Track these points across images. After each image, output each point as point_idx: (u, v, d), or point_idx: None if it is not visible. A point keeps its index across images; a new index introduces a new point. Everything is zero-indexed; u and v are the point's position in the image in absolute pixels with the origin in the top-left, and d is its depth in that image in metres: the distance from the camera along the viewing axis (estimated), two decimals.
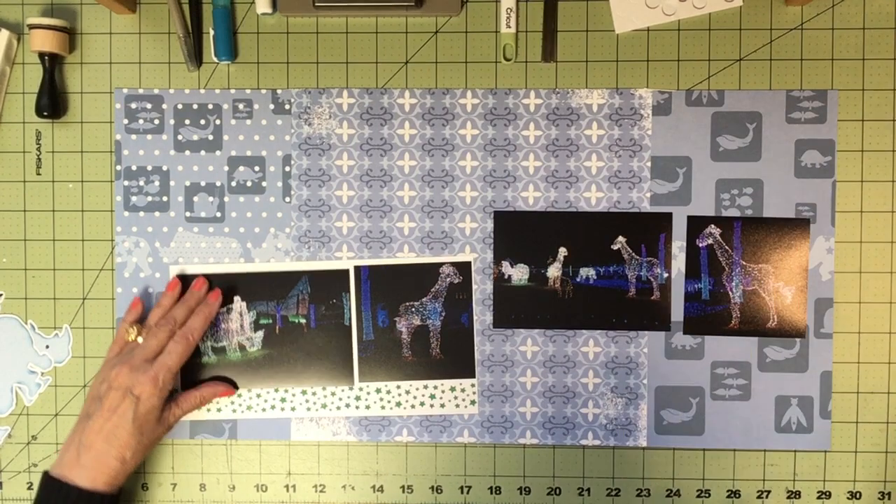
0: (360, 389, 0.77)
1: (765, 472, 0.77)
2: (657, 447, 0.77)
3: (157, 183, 0.77)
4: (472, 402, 0.77)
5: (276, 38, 0.77)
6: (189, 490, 0.78)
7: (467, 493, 0.77)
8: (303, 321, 0.77)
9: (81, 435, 0.68)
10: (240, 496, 0.78)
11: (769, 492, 0.77)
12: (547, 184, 0.77)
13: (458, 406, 0.77)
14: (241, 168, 0.77)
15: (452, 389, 0.77)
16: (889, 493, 0.77)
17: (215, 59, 0.76)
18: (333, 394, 0.77)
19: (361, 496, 0.77)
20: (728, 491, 0.77)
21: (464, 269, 0.77)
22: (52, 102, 0.75)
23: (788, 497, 0.77)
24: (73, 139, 0.77)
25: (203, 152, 0.77)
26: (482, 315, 0.77)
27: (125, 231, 0.77)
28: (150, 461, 0.78)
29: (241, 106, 0.77)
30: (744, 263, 0.76)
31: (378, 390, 0.77)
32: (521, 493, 0.77)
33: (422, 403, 0.77)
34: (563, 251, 0.76)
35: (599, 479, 0.77)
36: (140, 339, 0.72)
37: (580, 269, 0.77)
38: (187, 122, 0.77)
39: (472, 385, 0.77)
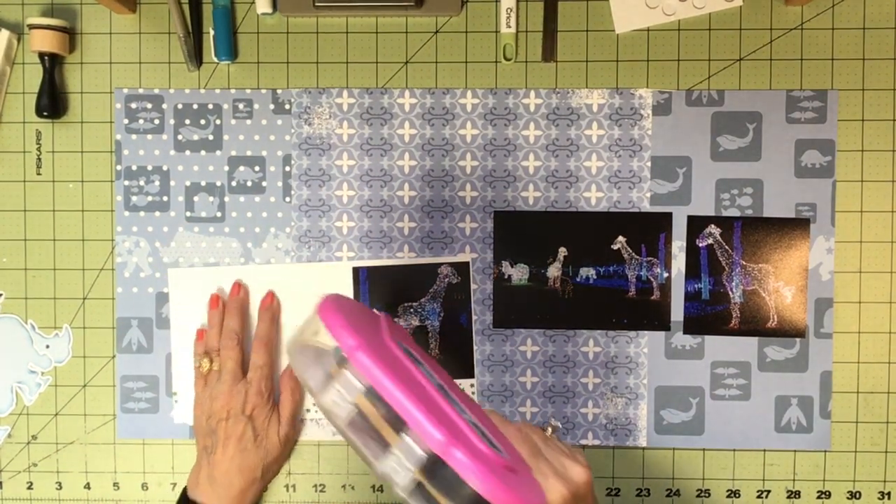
0: None
1: (765, 471, 0.77)
2: (657, 447, 0.77)
3: (157, 183, 0.77)
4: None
5: (277, 38, 0.77)
6: None
7: None
8: None
9: (210, 469, 0.70)
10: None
11: (769, 492, 0.77)
12: (547, 184, 0.77)
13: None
14: (242, 168, 0.77)
15: None
16: (889, 493, 0.77)
17: (215, 59, 0.76)
18: None
19: (361, 496, 0.78)
20: (728, 491, 0.77)
21: (462, 269, 0.77)
22: (53, 102, 0.76)
23: (788, 497, 0.77)
24: (73, 139, 0.77)
25: (203, 152, 0.77)
26: (482, 315, 0.77)
27: (125, 231, 0.77)
28: (151, 461, 0.78)
29: (241, 106, 0.77)
30: (744, 263, 0.76)
31: None
32: None
33: None
34: (563, 251, 0.76)
35: (599, 479, 0.77)
36: (216, 367, 0.72)
37: (580, 269, 0.77)
38: (187, 121, 0.77)
39: (472, 385, 0.77)
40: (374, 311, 0.60)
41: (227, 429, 0.70)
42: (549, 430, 0.60)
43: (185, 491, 0.71)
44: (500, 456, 0.47)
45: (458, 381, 0.77)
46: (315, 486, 0.78)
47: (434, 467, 0.44)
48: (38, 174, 0.78)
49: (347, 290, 0.77)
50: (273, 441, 0.72)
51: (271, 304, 0.75)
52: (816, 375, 0.76)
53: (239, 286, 0.76)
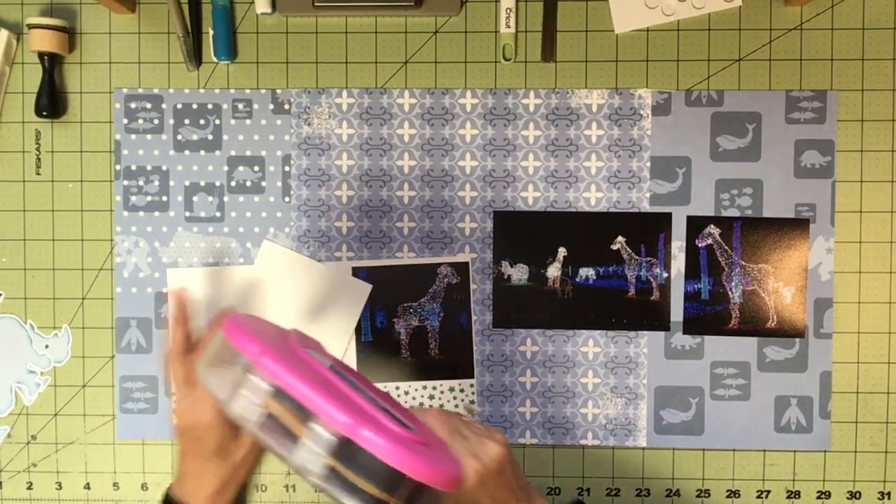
0: None
1: (764, 471, 0.77)
2: (657, 447, 0.77)
3: (156, 183, 0.77)
4: (472, 402, 0.77)
5: (276, 38, 0.77)
6: None
7: None
8: None
9: (186, 468, 0.67)
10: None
11: (769, 492, 0.77)
12: (546, 184, 0.76)
13: (456, 406, 0.77)
14: (241, 168, 0.77)
15: (451, 390, 0.77)
16: (889, 493, 0.77)
17: (215, 59, 0.76)
18: None
19: None
20: (728, 491, 0.77)
21: (462, 269, 0.77)
22: (52, 102, 0.75)
23: (788, 497, 0.77)
24: (72, 139, 0.77)
25: (202, 152, 0.77)
26: (482, 315, 0.77)
27: (124, 231, 0.77)
28: (150, 461, 0.78)
29: (240, 106, 0.77)
30: (743, 263, 0.76)
31: None
32: None
33: (421, 404, 0.77)
34: (562, 251, 0.76)
35: (599, 479, 0.77)
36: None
37: (580, 269, 0.77)
38: (187, 121, 0.77)
39: (471, 385, 0.77)
40: (283, 327, 0.62)
41: (181, 443, 0.68)
42: (467, 413, 0.61)
43: (169, 488, 0.70)
44: (412, 433, 0.49)
45: (458, 382, 0.77)
46: (315, 486, 0.77)
47: (345, 450, 0.45)
48: (38, 174, 0.78)
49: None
50: (233, 449, 0.70)
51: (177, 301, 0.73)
52: (816, 375, 0.76)
53: (174, 293, 0.74)
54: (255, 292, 0.77)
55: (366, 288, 0.76)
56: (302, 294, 0.76)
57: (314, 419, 0.47)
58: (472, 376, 0.77)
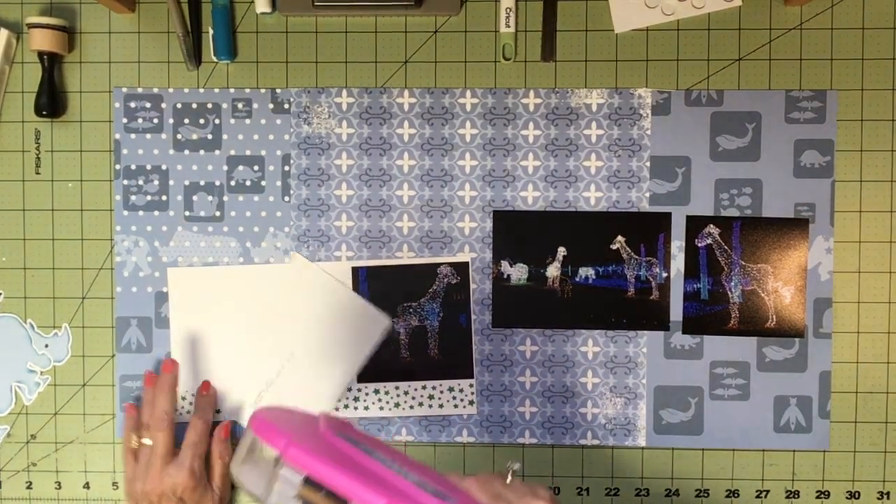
0: (359, 390, 0.77)
1: (764, 471, 0.77)
2: (656, 447, 0.77)
3: (156, 182, 0.77)
4: (471, 403, 0.77)
5: (276, 38, 0.77)
6: None
7: None
8: None
9: None
10: (239, 496, 0.77)
11: (768, 491, 0.77)
12: (546, 183, 0.77)
13: (456, 407, 0.77)
14: (241, 167, 0.77)
15: (451, 390, 0.77)
16: (888, 493, 0.77)
17: (214, 59, 0.76)
18: None
19: None
20: (727, 491, 0.77)
21: (462, 269, 0.77)
22: (52, 101, 0.75)
23: (787, 497, 0.77)
24: (72, 138, 0.77)
25: (202, 151, 0.77)
26: (481, 315, 0.77)
27: (124, 230, 0.77)
28: None
29: (240, 105, 0.77)
30: (743, 263, 0.76)
31: (377, 391, 0.77)
32: None
33: (420, 404, 0.77)
34: (562, 251, 0.76)
35: (598, 479, 0.77)
36: (147, 441, 0.72)
37: (579, 269, 0.77)
38: (186, 121, 0.77)
39: (471, 385, 0.77)
40: (311, 413, 0.62)
41: None
42: (510, 474, 0.61)
43: None
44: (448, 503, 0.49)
45: (457, 381, 0.77)
46: None
47: None
48: (38, 173, 0.78)
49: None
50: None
51: (207, 393, 0.75)
52: (815, 375, 0.76)
53: (171, 363, 0.75)
54: (264, 298, 0.77)
55: (384, 321, 0.76)
56: (314, 314, 0.76)
57: None
58: (471, 376, 0.77)
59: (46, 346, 0.78)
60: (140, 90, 0.77)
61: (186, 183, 0.77)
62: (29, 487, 0.78)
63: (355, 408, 0.77)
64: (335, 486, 0.47)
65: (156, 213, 0.77)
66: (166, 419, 0.71)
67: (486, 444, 0.77)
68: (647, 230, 0.76)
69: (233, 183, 0.77)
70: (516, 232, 0.76)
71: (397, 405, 0.77)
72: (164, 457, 0.70)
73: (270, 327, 0.76)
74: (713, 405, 0.77)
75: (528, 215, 0.76)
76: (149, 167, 0.77)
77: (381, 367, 0.77)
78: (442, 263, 0.77)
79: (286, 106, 0.77)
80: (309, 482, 0.48)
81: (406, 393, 0.77)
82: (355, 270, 0.77)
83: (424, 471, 0.57)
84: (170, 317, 0.77)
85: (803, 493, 0.77)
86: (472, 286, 0.77)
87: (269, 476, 0.50)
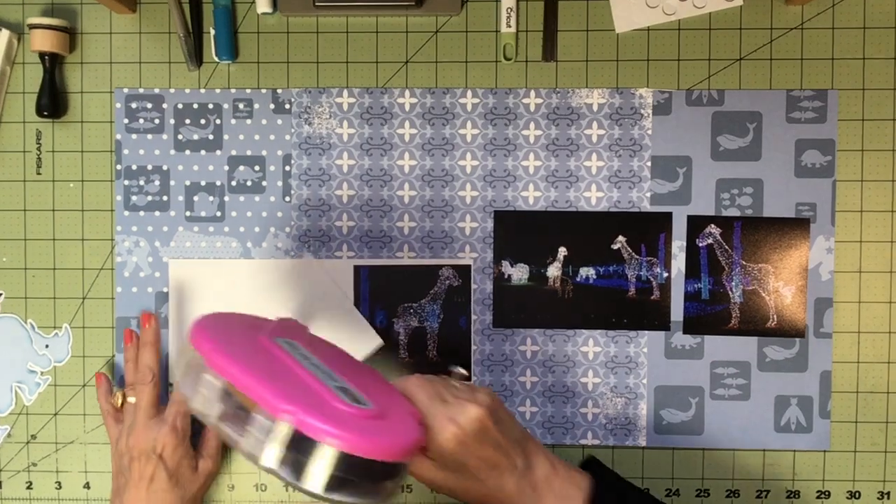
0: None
1: (764, 471, 0.77)
2: (656, 447, 0.77)
3: (157, 182, 0.77)
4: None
5: (277, 38, 0.77)
6: None
7: None
8: None
9: None
10: (239, 496, 0.78)
11: (768, 491, 0.77)
12: (547, 183, 0.77)
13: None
14: (241, 167, 0.77)
15: None
16: (888, 493, 0.77)
17: (216, 59, 0.76)
18: None
19: None
20: (727, 491, 0.77)
21: (463, 272, 0.77)
22: (53, 102, 0.75)
23: (788, 497, 0.77)
24: (73, 139, 0.77)
25: (203, 152, 0.77)
26: (482, 315, 0.77)
27: (125, 230, 0.77)
28: None
29: (241, 105, 0.77)
30: (744, 263, 0.76)
31: None
32: None
33: None
34: (563, 251, 0.76)
35: None
36: (131, 400, 0.71)
37: (580, 269, 0.77)
38: (187, 121, 0.77)
39: None
40: (267, 319, 0.64)
41: (139, 469, 0.68)
42: (453, 376, 0.64)
43: None
44: (363, 409, 0.51)
45: None
46: None
47: (286, 436, 0.48)
48: (38, 174, 0.78)
49: (348, 290, 0.76)
50: (189, 478, 0.70)
51: (147, 328, 0.74)
52: (816, 375, 0.76)
53: (149, 317, 0.74)
54: (264, 294, 0.77)
55: (376, 340, 0.76)
56: (311, 316, 0.76)
57: (257, 409, 0.49)
58: (469, 379, 0.77)
59: (47, 346, 0.78)
60: (141, 90, 0.77)
61: (187, 183, 0.77)
62: (29, 488, 0.78)
63: None
64: (248, 391, 0.50)
65: (157, 213, 0.77)
66: (150, 373, 0.70)
67: None
68: (648, 230, 0.76)
69: (234, 183, 0.77)
70: (517, 232, 0.76)
71: None
72: (148, 410, 0.69)
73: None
74: (714, 405, 0.77)
75: (528, 215, 0.77)
76: (150, 167, 0.77)
77: (380, 367, 0.76)
78: (444, 265, 0.77)
79: (287, 106, 0.77)
80: (228, 387, 0.51)
81: None
82: (357, 269, 0.77)
83: (362, 374, 0.59)
84: (169, 310, 0.77)
85: (804, 494, 0.77)
86: (473, 286, 0.77)
87: (196, 380, 0.53)
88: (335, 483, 0.48)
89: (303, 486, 0.48)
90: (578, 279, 0.77)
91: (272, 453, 0.48)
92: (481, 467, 0.57)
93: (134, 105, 0.77)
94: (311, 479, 0.48)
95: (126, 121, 0.77)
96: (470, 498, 0.59)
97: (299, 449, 0.48)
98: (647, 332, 0.77)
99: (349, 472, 0.48)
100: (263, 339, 0.58)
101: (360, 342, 0.76)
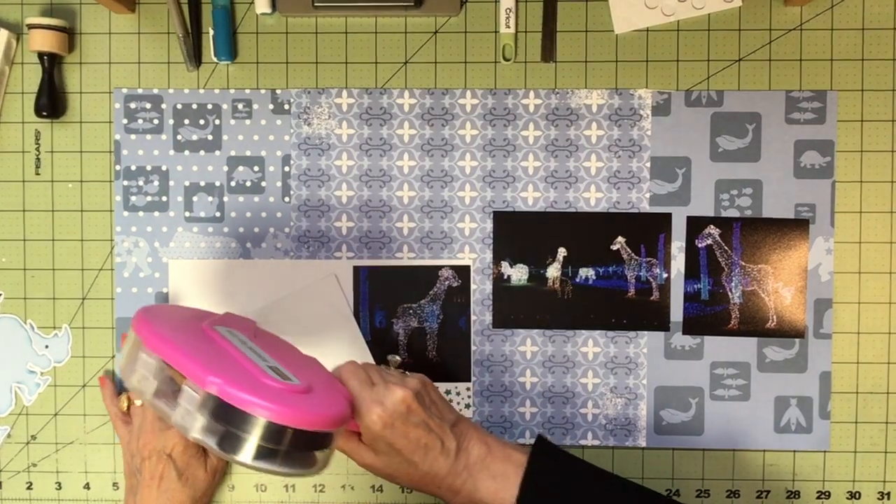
0: None
1: (764, 472, 0.77)
2: (656, 447, 0.77)
3: (156, 183, 0.77)
4: (468, 406, 0.77)
5: (276, 38, 0.77)
6: None
7: None
8: None
9: None
10: (239, 496, 0.78)
11: (768, 492, 0.77)
12: (546, 184, 0.77)
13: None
14: (241, 168, 0.77)
15: (448, 393, 0.77)
16: (888, 493, 0.77)
17: (215, 59, 0.76)
18: None
19: (360, 496, 0.78)
20: (727, 491, 0.77)
21: (463, 272, 0.77)
22: (52, 102, 0.75)
23: (788, 497, 0.77)
24: (72, 139, 0.77)
25: (202, 152, 0.77)
26: (481, 315, 0.77)
27: (124, 231, 0.77)
28: None
29: (240, 106, 0.77)
30: (743, 264, 0.76)
31: None
32: None
33: None
34: (562, 251, 0.76)
35: None
36: (137, 402, 0.73)
37: (579, 270, 0.77)
38: (186, 121, 0.77)
39: (468, 388, 0.77)
40: (211, 312, 0.66)
41: (150, 469, 0.69)
42: (390, 364, 0.67)
43: None
44: (290, 384, 0.53)
45: (454, 385, 0.77)
46: (314, 486, 0.78)
47: (214, 406, 0.50)
48: (38, 174, 0.78)
49: (348, 290, 0.76)
50: (199, 476, 0.71)
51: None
52: (816, 376, 0.76)
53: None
54: (265, 295, 0.77)
55: (365, 352, 0.76)
56: (310, 324, 0.76)
57: (187, 382, 0.51)
58: (468, 379, 0.77)
59: (46, 346, 0.78)
60: (140, 91, 0.77)
61: (186, 183, 0.77)
62: (29, 488, 0.78)
63: None
64: (178, 366, 0.52)
65: (156, 213, 0.77)
66: None
67: None
68: (648, 231, 0.76)
69: (233, 183, 0.77)
70: (516, 233, 0.76)
71: None
72: (157, 415, 0.70)
73: (267, 324, 0.76)
74: (713, 406, 0.77)
75: (528, 216, 0.76)
76: (149, 168, 0.77)
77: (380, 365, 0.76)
78: (443, 266, 0.77)
79: (286, 107, 0.77)
80: (161, 363, 0.53)
81: None
82: (356, 270, 0.77)
83: (301, 361, 0.61)
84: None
85: (804, 494, 0.77)
86: (473, 287, 0.77)
87: (134, 361, 0.55)
88: (264, 453, 0.50)
89: (232, 456, 0.50)
90: (578, 280, 0.77)
91: (199, 423, 0.50)
92: (412, 449, 0.59)
93: (133, 105, 0.77)
94: (239, 449, 0.50)
95: (125, 121, 0.77)
96: (407, 481, 0.61)
97: (227, 419, 0.50)
98: (646, 332, 0.77)
99: (276, 442, 0.50)
100: (205, 326, 0.60)
101: (350, 355, 0.75)
